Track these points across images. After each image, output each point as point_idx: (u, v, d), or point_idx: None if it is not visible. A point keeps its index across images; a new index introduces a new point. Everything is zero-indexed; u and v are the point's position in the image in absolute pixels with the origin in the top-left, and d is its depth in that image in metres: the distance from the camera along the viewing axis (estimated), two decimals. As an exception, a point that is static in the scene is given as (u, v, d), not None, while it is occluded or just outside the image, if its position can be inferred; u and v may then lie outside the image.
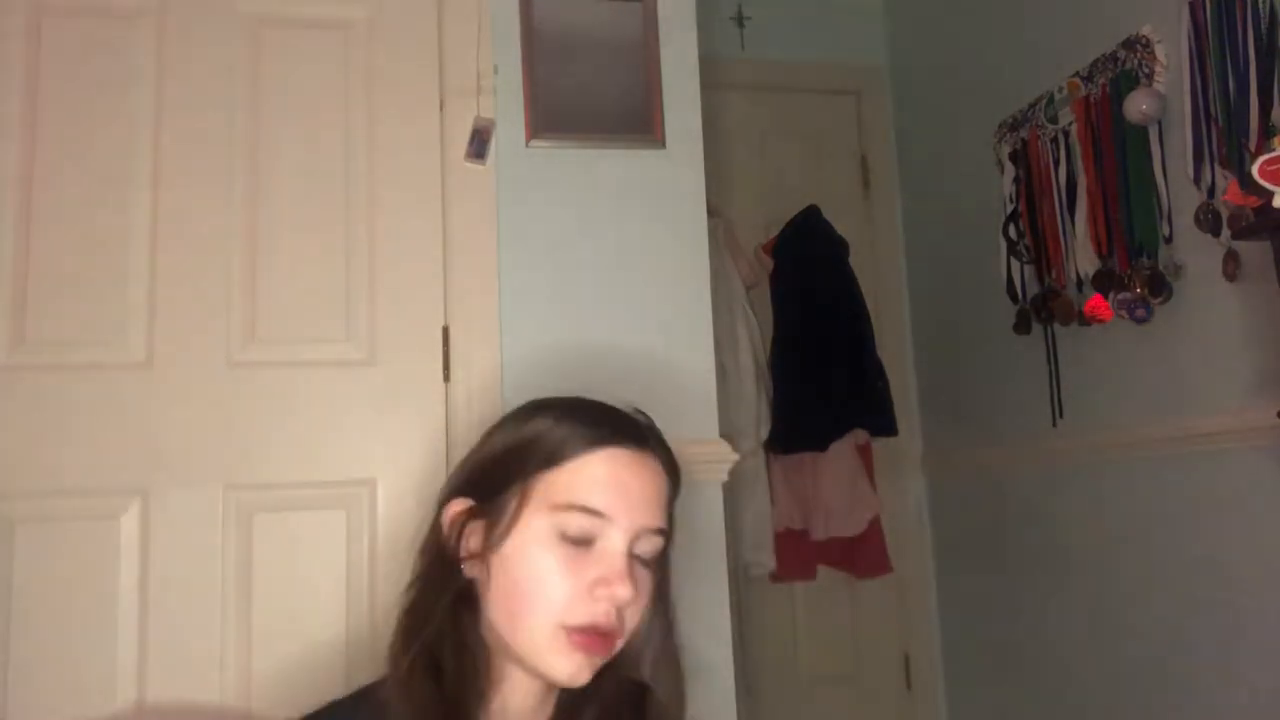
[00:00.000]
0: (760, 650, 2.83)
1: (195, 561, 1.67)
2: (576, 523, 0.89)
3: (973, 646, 2.87)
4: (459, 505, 0.95)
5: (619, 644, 0.91)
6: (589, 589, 0.88)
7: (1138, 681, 2.19)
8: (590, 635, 0.87)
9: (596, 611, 0.88)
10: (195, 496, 1.69)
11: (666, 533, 0.94)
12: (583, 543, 0.89)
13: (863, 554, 2.87)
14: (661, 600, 0.97)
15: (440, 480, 1.74)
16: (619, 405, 0.98)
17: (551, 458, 0.91)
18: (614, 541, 0.89)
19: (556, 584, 0.88)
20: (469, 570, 0.93)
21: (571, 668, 0.88)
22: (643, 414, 0.99)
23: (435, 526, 0.97)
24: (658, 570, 0.95)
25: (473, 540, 0.93)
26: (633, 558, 0.90)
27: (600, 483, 0.90)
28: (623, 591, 0.87)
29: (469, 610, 0.92)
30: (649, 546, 0.92)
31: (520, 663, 0.91)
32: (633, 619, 0.91)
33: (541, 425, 0.93)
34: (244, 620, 1.68)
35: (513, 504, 0.91)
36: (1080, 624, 2.37)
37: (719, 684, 1.77)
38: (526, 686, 0.93)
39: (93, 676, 1.61)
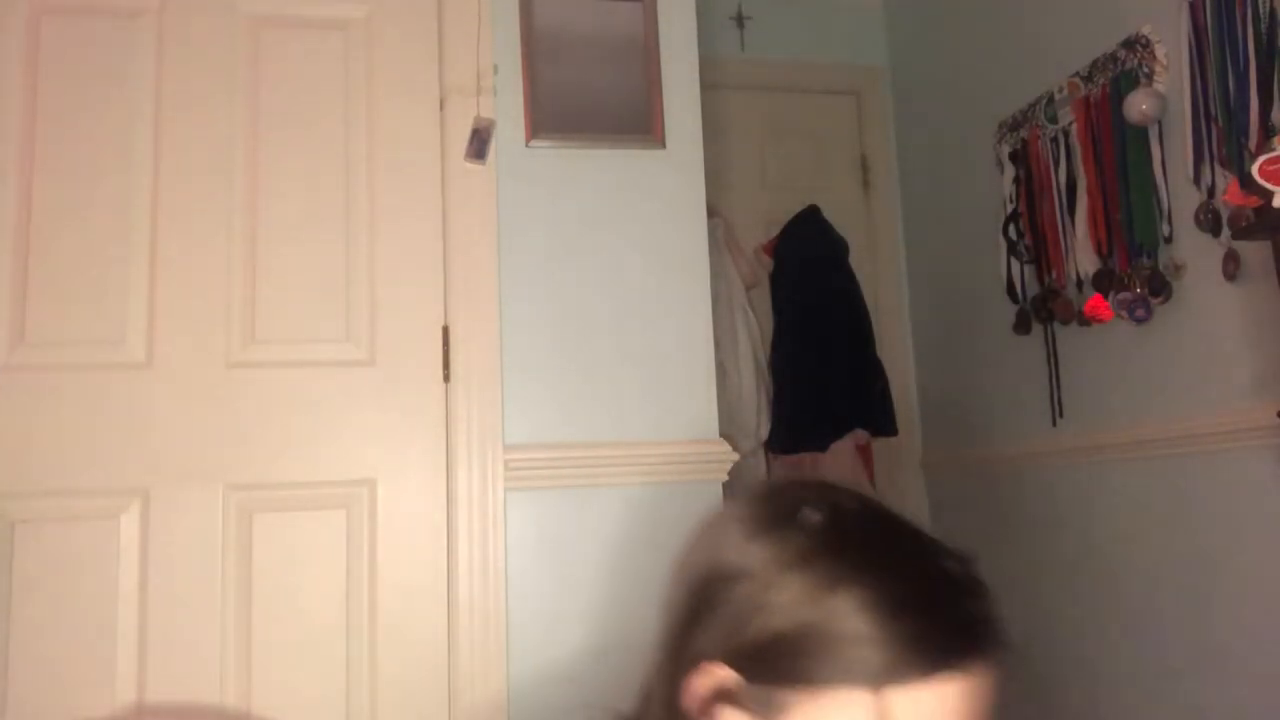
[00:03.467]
0: (760, 650, 2.82)
1: (195, 561, 1.67)
2: None
3: (973, 646, 2.87)
4: (713, 680, 0.72)
5: None
6: None
7: (1137, 680, 2.19)
8: None
9: None
10: (195, 496, 1.69)
11: None
12: None
13: (862, 554, 2.87)
14: None
15: (440, 482, 1.76)
16: (937, 554, 0.73)
17: (870, 677, 0.66)
18: None
19: None
20: None
21: None
22: (963, 560, 0.73)
23: (675, 684, 0.75)
24: None
25: None
26: None
27: None
28: None
29: None
30: None
31: None
32: None
33: (857, 616, 0.67)
34: (244, 620, 1.67)
35: (796, 709, 0.68)
36: (1080, 623, 2.37)
37: (719, 684, 1.77)
38: None
39: (93, 676, 1.61)
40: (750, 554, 0.72)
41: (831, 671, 0.67)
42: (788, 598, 0.69)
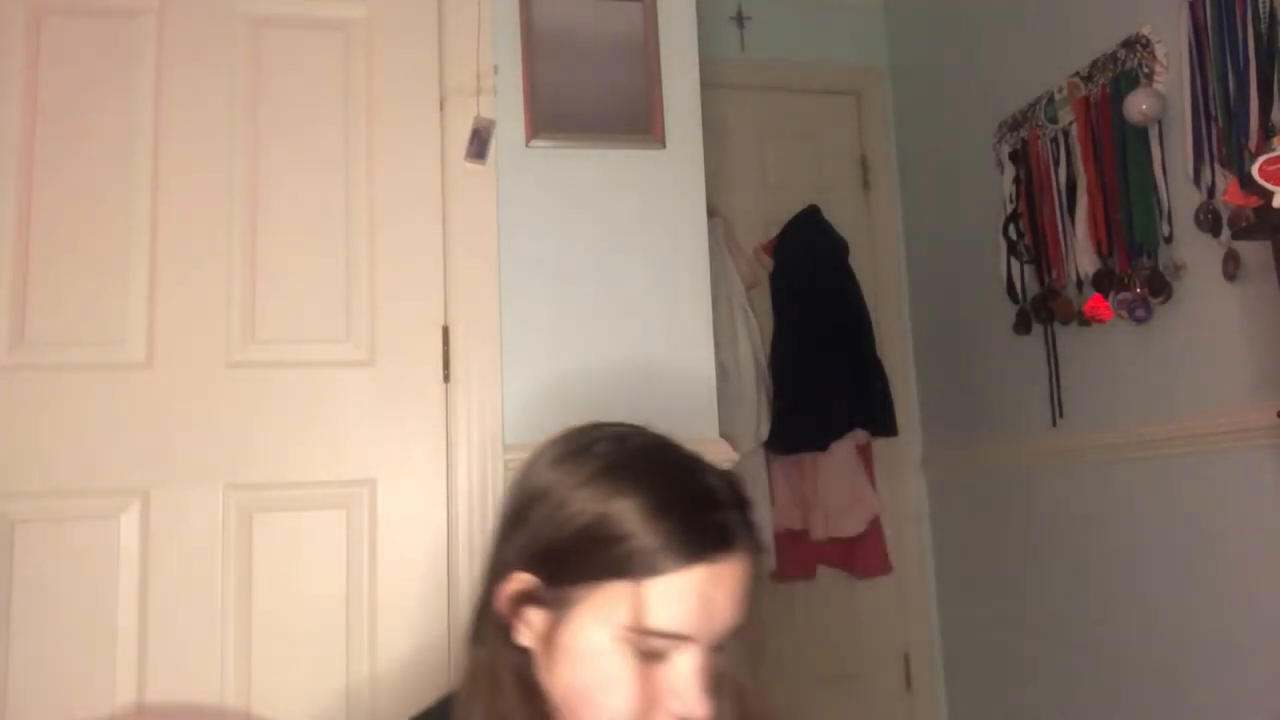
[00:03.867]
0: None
1: (195, 561, 1.67)
2: (652, 644, 0.81)
3: (973, 646, 2.87)
4: (518, 584, 0.85)
5: None
6: (660, 704, 0.81)
7: (1136, 680, 2.19)
8: None
9: None
10: (195, 496, 1.69)
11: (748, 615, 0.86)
12: (655, 657, 0.81)
13: (862, 554, 2.87)
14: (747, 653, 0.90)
15: (440, 482, 1.75)
16: (702, 473, 0.87)
17: (635, 569, 0.80)
18: (691, 659, 0.81)
19: (623, 700, 0.81)
20: (524, 640, 0.86)
21: None
22: (727, 479, 0.88)
23: (490, 591, 0.88)
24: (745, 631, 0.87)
25: (532, 620, 0.85)
26: (710, 656, 0.84)
27: (686, 605, 0.80)
28: (698, 712, 0.81)
29: (532, 670, 0.87)
30: (727, 636, 0.85)
31: None
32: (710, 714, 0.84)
33: (627, 519, 0.81)
34: (244, 620, 1.67)
35: (581, 602, 0.82)
36: (1079, 623, 2.37)
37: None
38: None
39: (93, 677, 1.61)
40: (551, 478, 0.86)
41: (605, 566, 0.81)
42: (576, 510, 0.83)
